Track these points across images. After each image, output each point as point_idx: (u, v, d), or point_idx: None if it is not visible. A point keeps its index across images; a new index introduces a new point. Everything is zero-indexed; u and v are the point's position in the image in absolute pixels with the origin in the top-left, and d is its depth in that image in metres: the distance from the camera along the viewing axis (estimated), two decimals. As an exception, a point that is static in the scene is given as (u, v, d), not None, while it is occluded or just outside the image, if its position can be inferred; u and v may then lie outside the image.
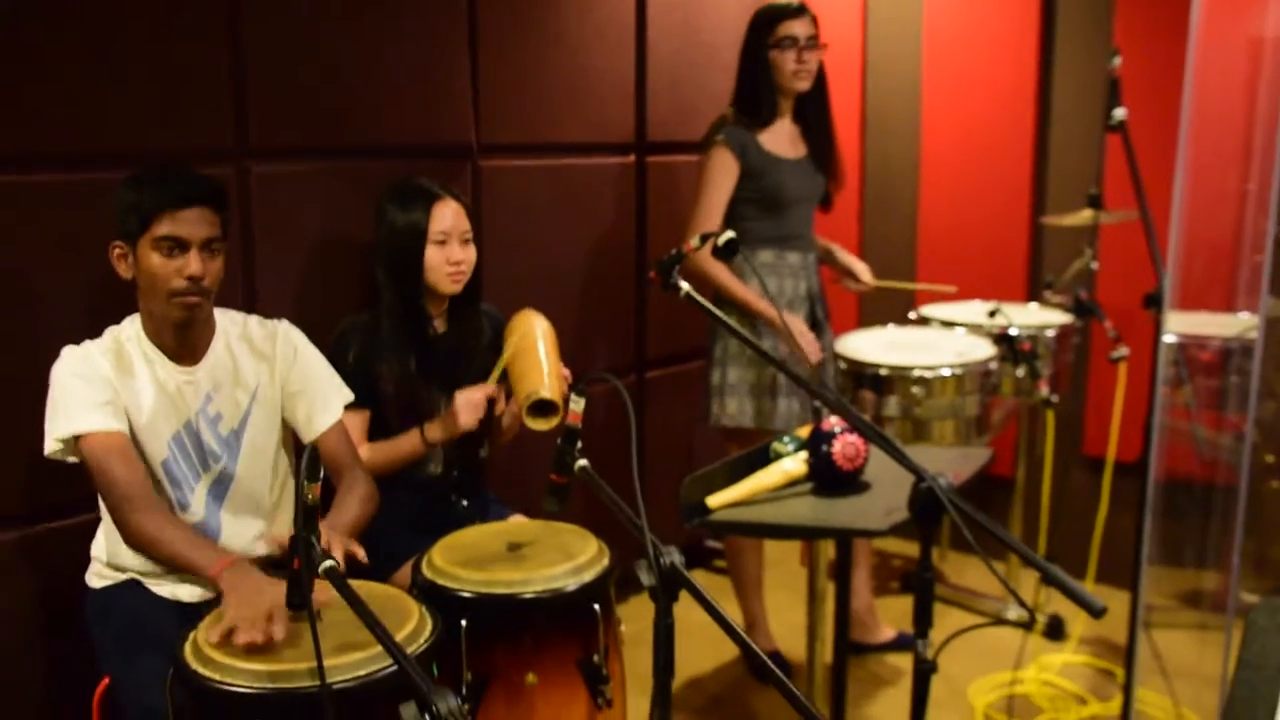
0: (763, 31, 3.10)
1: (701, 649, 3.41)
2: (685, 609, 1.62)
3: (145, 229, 2.04)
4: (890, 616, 3.53)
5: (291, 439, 2.38)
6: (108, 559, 2.23)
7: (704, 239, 2.09)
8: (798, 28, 3.07)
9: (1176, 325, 2.60)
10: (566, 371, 2.41)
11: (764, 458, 2.19)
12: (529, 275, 3.25)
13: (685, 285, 2.02)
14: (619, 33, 3.49)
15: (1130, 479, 2.75)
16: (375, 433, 2.56)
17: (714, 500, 2.01)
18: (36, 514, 2.38)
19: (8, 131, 2.25)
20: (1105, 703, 3.11)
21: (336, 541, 1.96)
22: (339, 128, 2.80)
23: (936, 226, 4.17)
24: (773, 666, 1.51)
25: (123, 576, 2.21)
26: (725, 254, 2.08)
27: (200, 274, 2.06)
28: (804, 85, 3.13)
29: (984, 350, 3.08)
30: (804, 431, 2.20)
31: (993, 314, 3.32)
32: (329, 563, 1.54)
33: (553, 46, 3.29)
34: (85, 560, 2.27)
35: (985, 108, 4.00)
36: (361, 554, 1.99)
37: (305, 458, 1.51)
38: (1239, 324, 3.31)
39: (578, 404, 1.86)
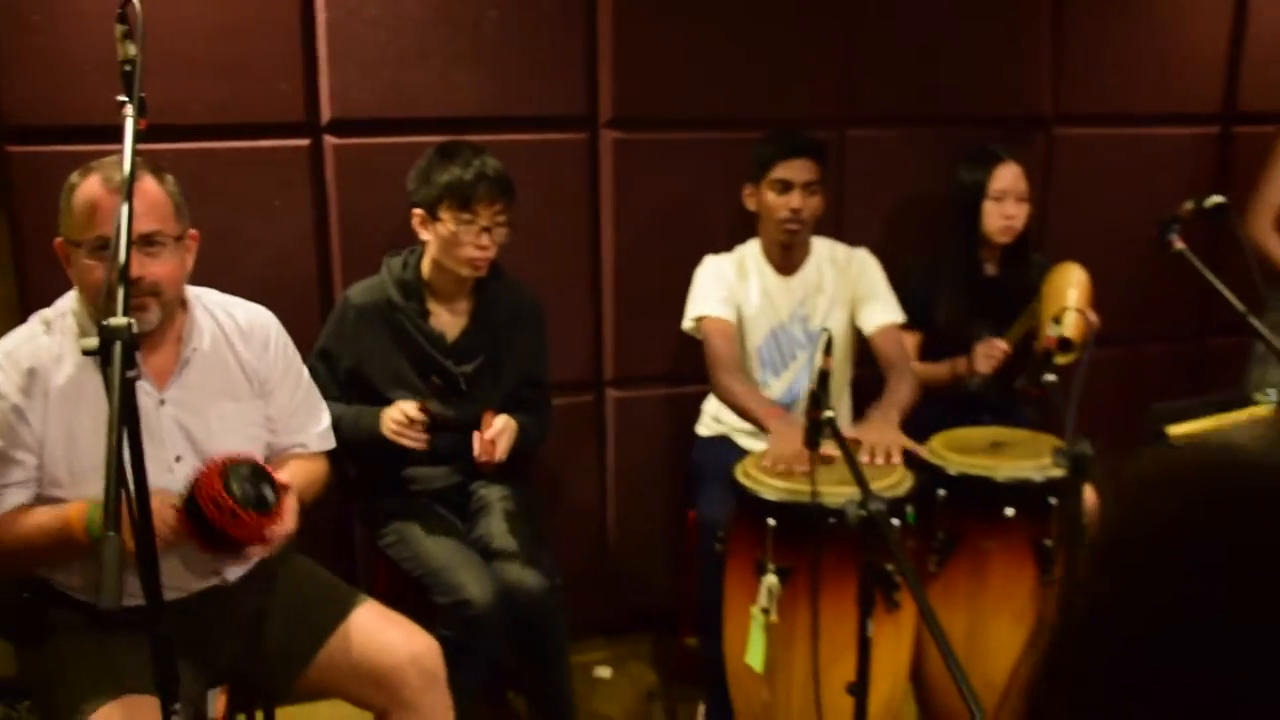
0: None
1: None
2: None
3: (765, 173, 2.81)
4: None
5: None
6: (714, 413, 3.07)
7: (1198, 201, 2.34)
8: None
9: None
10: (1094, 317, 2.74)
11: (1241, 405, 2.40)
12: (1089, 235, 3.48)
13: (1180, 244, 2.31)
14: (1215, 4, 3.60)
15: None
16: (925, 357, 3.12)
17: (1176, 429, 2.30)
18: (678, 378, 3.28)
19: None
20: None
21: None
22: (924, 99, 3.35)
23: None
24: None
25: (721, 429, 3.04)
26: (1216, 216, 2.33)
27: (800, 208, 2.78)
28: None
29: None
30: (1294, 388, 2.35)
31: None
32: (828, 413, 2.15)
33: (1142, 19, 3.52)
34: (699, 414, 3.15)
35: None
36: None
37: (822, 339, 2.13)
38: None
39: (1061, 328, 2.28)
